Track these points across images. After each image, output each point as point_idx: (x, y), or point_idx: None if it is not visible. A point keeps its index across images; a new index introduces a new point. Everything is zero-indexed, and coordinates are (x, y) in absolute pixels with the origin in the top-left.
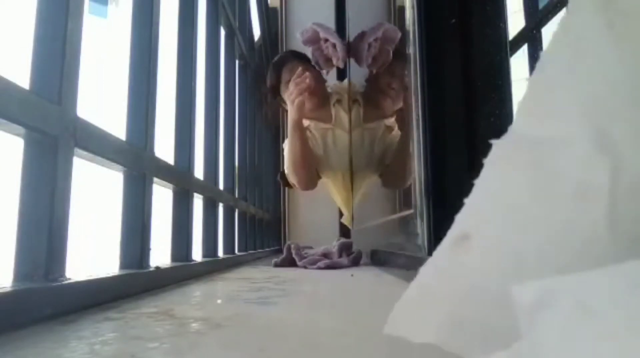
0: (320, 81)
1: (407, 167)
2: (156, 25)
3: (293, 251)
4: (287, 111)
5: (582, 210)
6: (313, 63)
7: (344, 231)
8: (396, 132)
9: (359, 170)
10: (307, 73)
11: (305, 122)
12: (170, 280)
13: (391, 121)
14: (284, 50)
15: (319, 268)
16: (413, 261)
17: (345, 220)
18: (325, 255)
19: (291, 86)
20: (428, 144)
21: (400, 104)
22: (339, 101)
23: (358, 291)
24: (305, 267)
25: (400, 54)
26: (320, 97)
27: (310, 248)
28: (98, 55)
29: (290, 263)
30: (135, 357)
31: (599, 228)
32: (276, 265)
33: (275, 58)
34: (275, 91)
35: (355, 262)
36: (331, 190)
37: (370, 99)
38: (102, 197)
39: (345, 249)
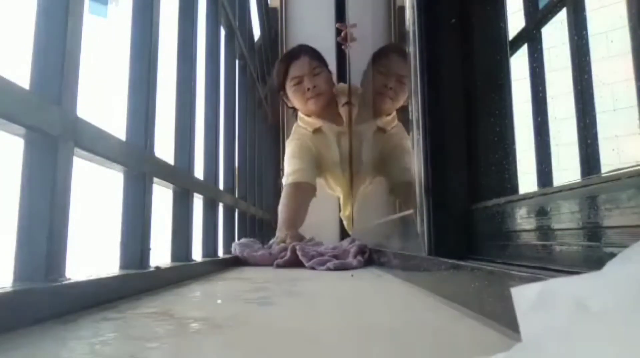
0: (329, 82)
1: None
2: (156, 25)
3: (299, 253)
4: (288, 107)
5: None
6: None
7: (344, 230)
8: (390, 132)
9: (355, 172)
10: None
11: (317, 123)
12: (170, 280)
13: (384, 120)
14: (284, 50)
15: (328, 269)
16: (413, 261)
17: (345, 220)
18: (336, 256)
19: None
20: (428, 144)
21: (402, 102)
22: (347, 103)
23: (358, 291)
24: (313, 268)
25: (396, 50)
26: (327, 98)
27: (311, 240)
28: (98, 55)
29: (292, 264)
30: (135, 357)
31: None
32: (278, 266)
33: (287, 51)
34: (281, 86)
35: (366, 264)
36: (332, 187)
37: (367, 101)
38: (102, 197)
39: (361, 253)
